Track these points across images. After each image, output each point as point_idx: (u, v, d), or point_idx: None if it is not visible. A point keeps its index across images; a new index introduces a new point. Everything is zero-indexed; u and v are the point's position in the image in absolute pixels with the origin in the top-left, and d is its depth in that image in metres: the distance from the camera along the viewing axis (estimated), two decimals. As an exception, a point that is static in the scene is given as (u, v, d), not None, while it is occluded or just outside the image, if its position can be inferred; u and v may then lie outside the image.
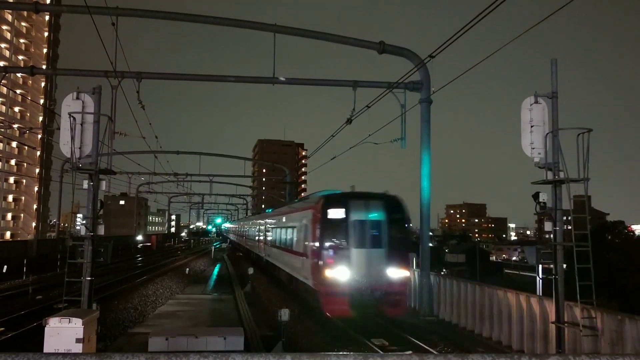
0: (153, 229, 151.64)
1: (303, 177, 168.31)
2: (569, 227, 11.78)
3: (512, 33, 10.52)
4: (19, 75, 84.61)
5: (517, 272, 75.52)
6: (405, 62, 19.03)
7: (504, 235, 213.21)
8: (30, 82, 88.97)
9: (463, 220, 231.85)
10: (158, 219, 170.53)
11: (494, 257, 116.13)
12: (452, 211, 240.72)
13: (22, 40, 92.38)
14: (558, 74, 11.95)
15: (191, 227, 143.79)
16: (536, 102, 12.07)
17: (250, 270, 26.02)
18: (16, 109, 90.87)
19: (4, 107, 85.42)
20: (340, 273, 15.35)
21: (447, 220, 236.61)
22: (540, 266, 12.61)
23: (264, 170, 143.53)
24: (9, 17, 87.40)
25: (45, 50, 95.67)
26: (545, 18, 10.67)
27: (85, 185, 12.23)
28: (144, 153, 40.32)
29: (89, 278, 11.79)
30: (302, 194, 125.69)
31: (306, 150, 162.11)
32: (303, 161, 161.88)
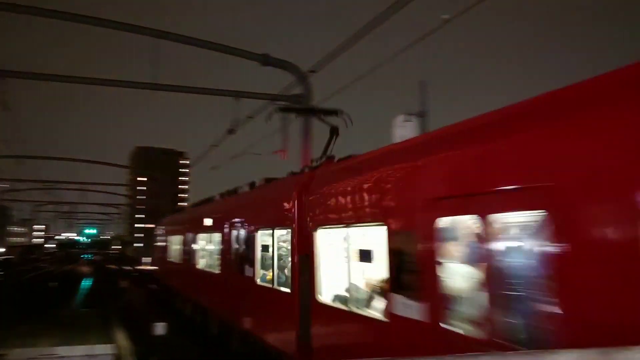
0: (17, 240, 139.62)
1: (186, 186, 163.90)
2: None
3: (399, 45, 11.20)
4: None
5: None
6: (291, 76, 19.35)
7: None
8: None
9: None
10: (23, 230, 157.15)
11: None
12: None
13: None
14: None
15: (58, 237, 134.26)
16: (408, 120, 12.89)
17: (125, 283, 24.90)
18: None
19: None
20: None
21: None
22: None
23: (145, 179, 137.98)
24: None
25: None
26: (417, 40, 11.49)
27: None
28: (6, 158, 37.04)
29: None
30: (185, 203, 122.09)
31: (188, 159, 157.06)
32: (186, 170, 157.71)
